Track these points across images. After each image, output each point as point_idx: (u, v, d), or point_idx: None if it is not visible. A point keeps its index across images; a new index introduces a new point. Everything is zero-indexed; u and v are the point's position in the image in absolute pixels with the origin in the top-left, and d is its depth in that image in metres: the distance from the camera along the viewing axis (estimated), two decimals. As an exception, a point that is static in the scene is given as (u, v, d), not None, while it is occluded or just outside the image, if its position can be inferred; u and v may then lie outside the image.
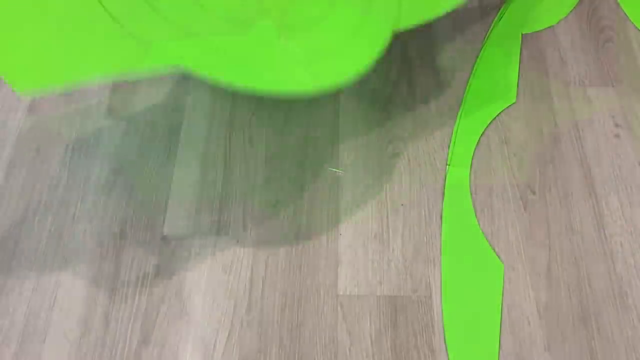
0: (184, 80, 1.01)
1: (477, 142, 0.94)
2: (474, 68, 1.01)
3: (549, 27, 1.09)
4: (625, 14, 1.02)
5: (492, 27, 1.04)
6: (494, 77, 0.99)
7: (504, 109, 0.97)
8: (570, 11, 1.06)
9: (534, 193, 0.91)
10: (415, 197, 0.90)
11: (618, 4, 1.12)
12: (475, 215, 0.86)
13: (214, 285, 0.83)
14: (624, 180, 0.92)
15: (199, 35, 0.61)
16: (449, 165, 0.89)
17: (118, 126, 0.97)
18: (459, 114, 0.96)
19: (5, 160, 0.93)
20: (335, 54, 0.66)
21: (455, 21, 1.10)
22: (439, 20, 1.10)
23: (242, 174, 0.93)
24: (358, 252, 0.86)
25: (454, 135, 0.94)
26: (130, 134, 0.97)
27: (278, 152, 0.95)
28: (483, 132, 0.94)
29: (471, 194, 0.88)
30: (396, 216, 0.89)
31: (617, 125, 0.97)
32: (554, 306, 0.81)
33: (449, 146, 0.95)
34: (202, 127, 0.97)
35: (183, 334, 0.79)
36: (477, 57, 1.03)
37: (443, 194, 0.90)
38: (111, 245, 0.86)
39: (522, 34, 1.06)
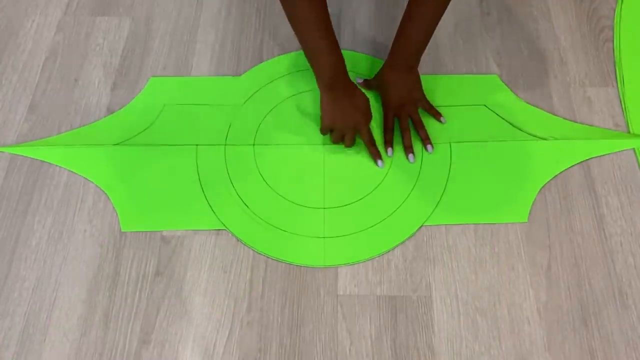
0: (184, 80, 1.02)
1: None
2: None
3: (549, 27, 1.09)
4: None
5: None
6: None
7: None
8: None
9: (534, 193, 0.91)
10: (415, 197, 0.90)
11: (618, 4, 1.12)
12: None
13: (214, 285, 0.83)
14: (624, 180, 0.92)
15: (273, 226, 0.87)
16: None
17: (118, 126, 0.97)
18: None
19: (6, 160, 0.93)
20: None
21: (455, 20, 1.10)
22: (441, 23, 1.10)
23: (242, 174, 0.93)
24: (358, 252, 0.86)
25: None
26: (130, 134, 0.96)
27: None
28: None
29: None
30: (396, 216, 0.89)
31: (617, 125, 0.97)
32: (554, 306, 0.81)
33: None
34: (202, 127, 0.97)
35: (183, 334, 0.79)
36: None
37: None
38: (111, 245, 0.86)
39: None
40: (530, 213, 0.88)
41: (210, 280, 0.83)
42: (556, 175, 0.91)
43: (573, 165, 0.92)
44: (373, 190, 0.89)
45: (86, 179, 0.91)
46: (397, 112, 0.94)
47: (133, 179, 0.90)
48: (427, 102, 0.96)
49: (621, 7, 1.11)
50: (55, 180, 0.91)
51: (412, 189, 0.89)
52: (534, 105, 0.98)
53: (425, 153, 0.93)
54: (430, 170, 0.91)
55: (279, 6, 1.05)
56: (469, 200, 0.89)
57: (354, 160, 0.92)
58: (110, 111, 0.98)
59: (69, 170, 0.92)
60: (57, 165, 0.92)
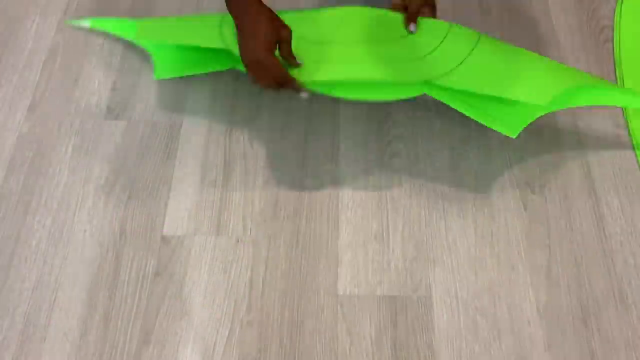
0: (184, 80, 1.01)
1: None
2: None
3: (549, 27, 1.09)
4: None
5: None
6: None
7: None
8: None
9: (534, 193, 0.91)
10: (416, 197, 0.90)
11: (618, 4, 1.12)
12: None
13: (214, 285, 0.83)
14: (624, 180, 0.92)
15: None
16: None
17: (118, 126, 0.97)
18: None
19: (5, 160, 0.93)
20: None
21: (455, 20, 1.10)
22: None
23: (242, 174, 0.93)
24: (358, 252, 0.86)
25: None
26: (130, 134, 0.97)
27: (278, 152, 0.94)
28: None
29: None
30: (396, 216, 0.89)
31: (617, 125, 0.97)
32: (554, 306, 0.81)
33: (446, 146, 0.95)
34: (202, 127, 0.97)
35: (183, 334, 0.79)
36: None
37: (443, 194, 0.90)
38: (111, 245, 0.86)
39: None
40: (529, 213, 0.88)
41: (210, 280, 0.83)
42: (555, 175, 0.91)
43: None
44: (394, 42, 0.90)
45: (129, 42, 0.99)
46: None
47: (162, 32, 0.97)
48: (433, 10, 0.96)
49: (621, 7, 1.11)
50: (56, 180, 0.91)
51: (434, 49, 0.89)
52: None
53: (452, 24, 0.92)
54: (456, 39, 0.90)
55: (280, 6, 1.05)
56: (488, 72, 0.87)
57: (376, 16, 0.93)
58: (110, 111, 0.98)
59: (69, 170, 0.92)
60: (56, 165, 0.92)
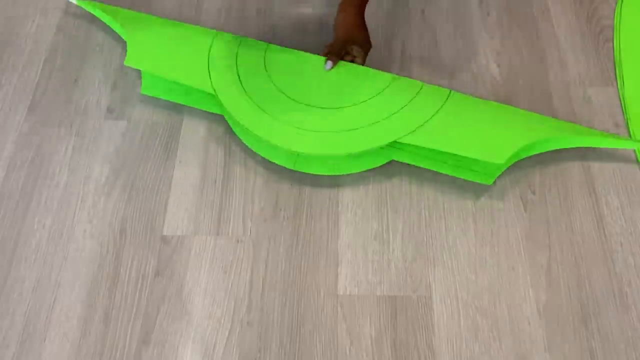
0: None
1: None
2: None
3: (549, 27, 1.09)
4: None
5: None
6: None
7: None
8: None
9: (534, 193, 0.91)
10: (416, 197, 0.90)
11: (618, 4, 1.12)
12: None
13: (214, 285, 0.83)
14: (624, 180, 0.92)
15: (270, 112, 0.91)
16: None
17: (118, 126, 0.97)
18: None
19: (5, 160, 0.93)
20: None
21: (455, 20, 1.10)
22: (439, 20, 1.10)
23: (242, 174, 0.93)
24: (358, 252, 0.86)
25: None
26: (130, 134, 0.97)
27: (278, 152, 0.94)
28: None
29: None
30: (396, 216, 0.89)
31: (617, 125, 0.97)
32: (554, 306, 0.81)
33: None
34: (202, 127, 0.97)
35: (183, 334, 0.79)
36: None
37: (443, 194, 0.90)
38: (111, 245, 0.86)
39: None
40: (529, 213, 0.88)
41: (210, 281, 0.83)
42: (555, 175, 0.91)
43: (571, 148, 0.93)
44: (363, 101, 0.92)
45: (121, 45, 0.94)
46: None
47: (150, 28, 1.00)
48: (362, 54, 0.97)
49: (621, 7, 1.11)
50: (55, 180, 0.91)
51: (402, 107, 0.91)
52: (532, 105, 0.98)
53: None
54: (426, 97, 0.92)
55: (279, 7, 1.05)
56: (452, 131, 0.89)
57: (356, 71, 0.95)
58: (110, 111, 0.98)
59: (69, 170, 0.92)
60: (56, 165, 0.92)
